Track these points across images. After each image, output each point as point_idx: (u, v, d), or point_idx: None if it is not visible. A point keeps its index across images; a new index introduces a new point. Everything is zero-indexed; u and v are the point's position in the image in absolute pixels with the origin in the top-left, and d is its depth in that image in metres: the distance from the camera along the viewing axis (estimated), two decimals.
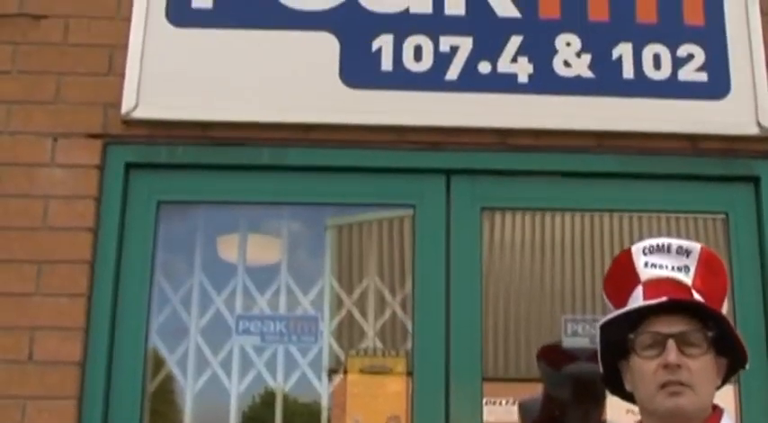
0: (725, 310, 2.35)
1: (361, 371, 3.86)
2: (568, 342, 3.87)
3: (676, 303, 2.18)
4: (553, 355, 3.88)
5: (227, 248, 4.14)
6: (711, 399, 2.19)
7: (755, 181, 3.77)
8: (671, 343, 2.13)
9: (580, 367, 3.69)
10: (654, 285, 2.26)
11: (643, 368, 2.17)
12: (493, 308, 4.59)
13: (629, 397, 2.29)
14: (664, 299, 2.17)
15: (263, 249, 4.15)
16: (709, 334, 2.15)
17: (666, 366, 2.11)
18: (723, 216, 3.79)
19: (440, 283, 3.61)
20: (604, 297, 2.40)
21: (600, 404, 3.76)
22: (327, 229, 4.21)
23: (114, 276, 3.58)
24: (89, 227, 3.56)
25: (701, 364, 2.14)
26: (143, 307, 3.60)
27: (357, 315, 4.04)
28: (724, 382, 2.30)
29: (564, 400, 3.78)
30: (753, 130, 3.74)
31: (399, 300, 4.03)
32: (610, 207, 3.99)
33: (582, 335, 3.82)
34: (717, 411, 2.22)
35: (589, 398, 3.72)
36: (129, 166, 3.70)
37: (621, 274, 2.35)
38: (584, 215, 4.51)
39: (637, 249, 2.34)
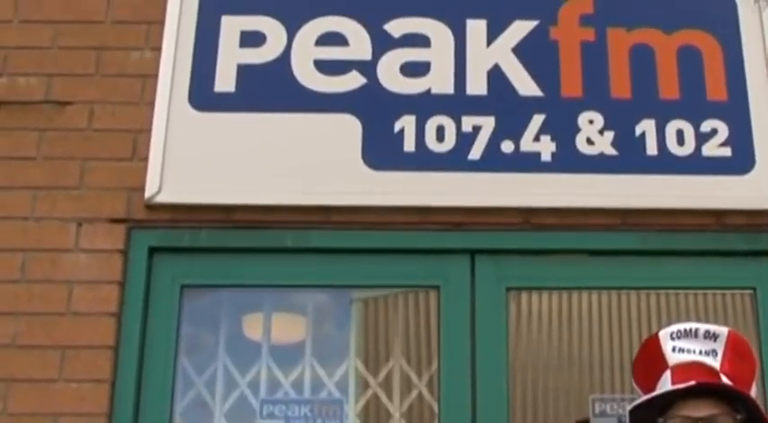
0: (754, 392, 2.32)
1: None
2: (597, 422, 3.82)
3: (704, 387, 2.17)
4: None
5: (252, 327, 4.12)
6: None
7: None
8: None
9: None
10: (682, 370, 2.26)
11: None
12: (520, 388, 4.53)
13: None
14: (692, 382, 2.17)
15: (288, 327, 4.13)
16: (738, 416, 2.15)
17: None
18: (750, 291, 3.75)
19: (465, 364, 3.58)
20: (633, 383, 2.41)
21: None
22: (353, 303, 4.18)
23: (138, 361, 3.57)
24: (112, 312, 3.57)
25: None
26: (167, 391, 3.59)
27: (383, 397, 3.99)
28: None
29: None
30: None
31: (426, 381, 3.98)
32: (636, 285, 3.96)
33: (610, 414, 3.77)
34: None
35: None
36: (153, 251, 3.71)
37: (650, 360, 2.35)
38: (611, 293, 4.47)
39: (664, 334, 2.34)
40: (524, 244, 3.74)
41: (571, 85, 3.88)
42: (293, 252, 3.73)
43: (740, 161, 3.80)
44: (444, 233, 3.73)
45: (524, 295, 4.29)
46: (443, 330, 3.64)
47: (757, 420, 2.19)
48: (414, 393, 4.01)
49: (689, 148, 3.80)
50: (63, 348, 3.52)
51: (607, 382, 4.67)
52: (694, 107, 3.87)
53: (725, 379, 2.23)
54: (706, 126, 3.83)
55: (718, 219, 3.75)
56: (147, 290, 3.66)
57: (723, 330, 2.31)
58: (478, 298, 3.66)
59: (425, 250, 3.73)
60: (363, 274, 3.75)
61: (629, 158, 3.79)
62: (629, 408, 2.30)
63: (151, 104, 3.83)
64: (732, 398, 2.18)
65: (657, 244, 3.73)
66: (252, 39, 3.93)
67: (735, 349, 2.29)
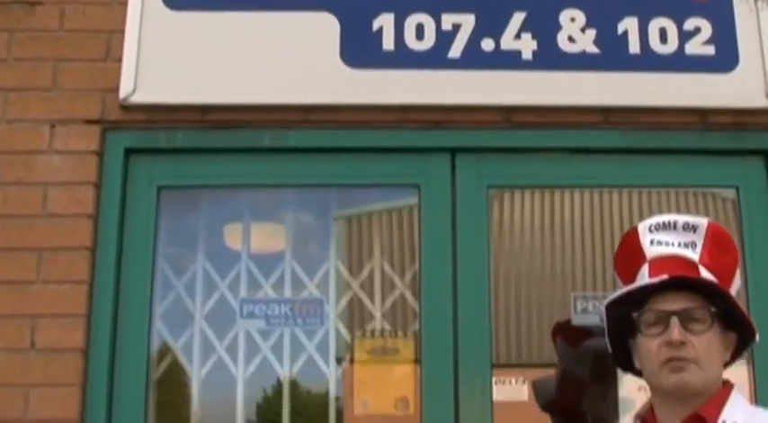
0: (736, 285, 2.28)
1: (369, 353, 3.79)
2: (578, 320, 3.81)
3: (679, 280, 2.13)
4: (569, 332, 3.81)
5: (232, 235, 4.08)
6: (719, 374, 2.14)
7: (766, 154, 3.71)
8: (674, 320, 2.08)
9: (597, 343, 3.62)
10: (659, 263, 2.21)
11: (648, 346, 2.13)
12: (502, 288, 4.52)
13: (640, 374, 2.23)
14: (665, 277, 2.13)
15: (268, 237, 4.09)
16: (713, 310, 2.11)
17: (670, 344, 2.07)
18: (733, 190, 3.72)
19: (446, 263, 3.56)
20: (616, 276, 2.37)
21: (615, 381, 3.69)
22: (334, 221, 4.15)
23: (116, 263, 3.55)
24: (89, 213, 3.53)
25: (706, 341, 2.09)
26: (146, 293, 3.56)
27: (364, 297, 3.97)
28: (735, 357, 2.24)
29: (580, 378, 3.71)
30: (762, 103, 3.68)
31: (407, 281, 3.96)
32: (618, 183, 3.95)
33: (592, 312, 3.75)
34: (726, 386, 2.17)
35: (606, 374, 3.65)
36: (129, 152, 3.66)
37: (629, 254, 2.30)
38: (593, 192, 4.43)
39: (643, 227, 2.29)
40: (505, 142, 3.69)
41: None
42: (271, 152, 3.68)
43: (723, 60, 3.75)
44: (424, 132, 3.68)
45: (507, 195, 4.23)
46: (424, 230, 3.62)
47: (734, 313, 2.16)
48: (395, 294, 3.98)
49: (672, 46, 3.74)
50: (40, 250, 3.48)
51: (589, 280, 4.67)
52: (677, 5, 3.79)
53: (704, 271, 2.18)
54: (689, 24, 3.77)
55: (702, 117, 3.71)
56: (123, 191, 3.61)
57: (702, 221, 2.25)
58: (459, 197, 3.63)
59: (405, 149, 3.68)
60: (342, 173, 3.71)
61: (612, 56, 3.73)
62: (605, 303, 2.26)
63: (124, 4, 3.74)
64: (709, 291, 2.13)
65: (640, 142, 3.70)
66: None
67: (715, 241, 2.23)
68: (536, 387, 3.92)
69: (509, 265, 4.62)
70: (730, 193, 3.82)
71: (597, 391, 3.69)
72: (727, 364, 2.19)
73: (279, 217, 4.06)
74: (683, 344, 2.06)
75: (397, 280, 4.01)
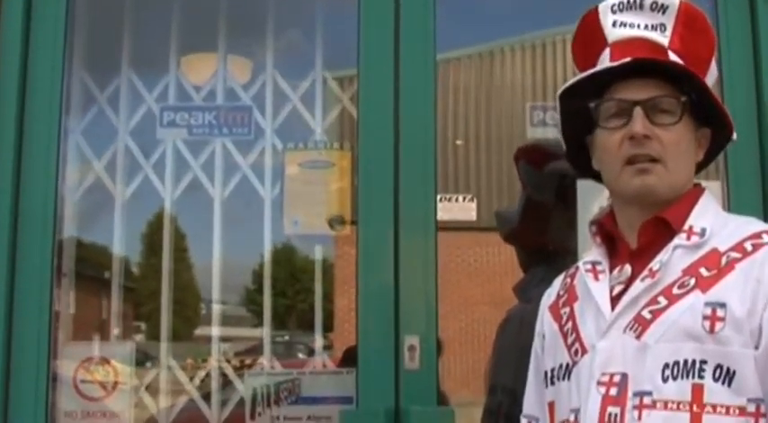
0: (713, 76, 1.96)
1: (301, 166, 3.43)
2: (534, 132, 3.49)
3: (643, 64, 1.83)
4: (534, 155, 3.49)
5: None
6: (688, 175, 1.86)
7: None
8: (638, 111, 1.80)
9: (564, 165, 3.34)
10: (622, 47, 1.90)
11: (607, 142, 1.84)
12: (452, 95, 4.16)
13: (599, 177, 1.95)
14: (628, 59, 1.83)
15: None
16: (683, 99, 1.81)
17: (632, 138, 1.79)
18: None
19: (388, 67, 3.18)
20: (574, 66, 2.05)
21: None
22: None
23: (20, 76, 3.16)
24: None
25: (675, 135, 1.80)
26: (54, 107, 3.18)
27: (302, 110, 3.61)
28: (710, 158, 1.95)
29: (546, 202, 3.41)
30: None
31: (349, 95, 3.60)
32: None
33: (549, 124, 3.43)
34: (697, 189, 1.88)
35: (572, 199, 3.37)
36: None
37: (587, 39, 1.99)
38: None
39: (605, 6, 1.96)
40: None
41: None
42: None
43: None
44: None
45: None
46: (364, 34, 3.22)
47: (708, 102, 1.85)
48: (336, 109, 3.63)
49: None
50: None
51: (549, 88, 4.30)
52: None
53: (674, 57, 1.87)
54: None
55: None
56: None
57: (673, 1, 1.91)
58: None
59: None
60: None
61: None
62: (558, 92, 1.94)
63: None
64: (680, 78, 1.82)
65: None
66: None
67: (687, 23, 1.90)
68: (500, 217, 3.62)
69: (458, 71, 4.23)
70: None
71: (561, 218, 3.40)
72: (700, 167, 1.91)
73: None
74: (647, 138, 1.78)
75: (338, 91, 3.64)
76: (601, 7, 1.96)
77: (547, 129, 3.51)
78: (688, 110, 1.82)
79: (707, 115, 1.87)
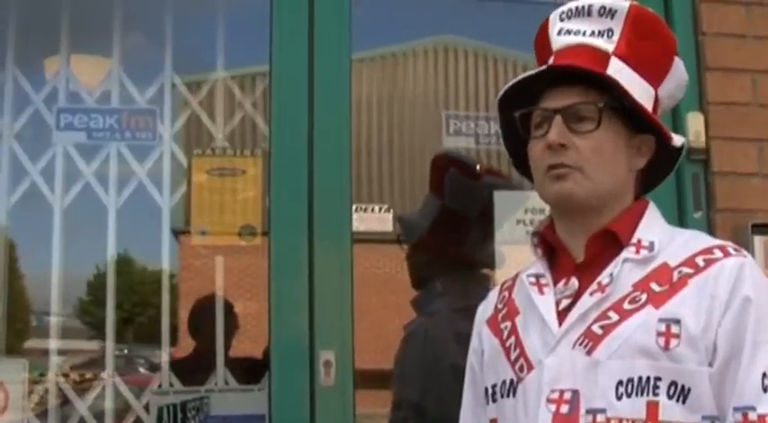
0: (676, 79, 1.90)
1: (209, 173, 3.29)
2: (450, 141, 3.42)
3: (570, 71, 1.78)
4: (467, 166, 3.42)
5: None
6: (615, 182, 1.79)
7: None
8: (556, 119, 1.76)
9: (498, 179, 3.32)
10: (564, 55, 1.84)
11: (532, 151, 1.82)
12: (365, 102, 4.06)
13: None
14: (543, 68, 1.81)
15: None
16: (600, 105, 1.75)
17: (550, 147, 1.75)
18: None
19: (302, 70, 3.07)
20: None
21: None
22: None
23: None
24: None
25: (593, 143, 1.75)
26: None
27: (204, 117, 3.46)
28: (666, 169, 1.90)
29: (468, 213, 3.34)
30: None
31: (252, 100, 3.48)
32: None
33: (466, 133, 3.38)
34: (642, 202, 1.84)
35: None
36: None
37: (540, 46, 1.95)
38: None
39: (554, 15, 1.91)
40: None
41: None
42: None
43: None
44: None
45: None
46: (276, 36, 3.11)
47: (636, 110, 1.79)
48: (238, 114, 3.50)
49: None
50: None
51: (462, 99, 4.24)
52: None
53: (617, 63, 1.80)
54: None
55: None
56: None
57: (623, 5, 1.85)
58: None
59: None
60: None
61: None
62: (497, 98, 1.89)
63: None
64: (606, 84, 1.76)
65: None
66: None
67: (636, 27, 1.84)
68: (405, 223, 3.53)
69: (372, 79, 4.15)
70: None
71: (480, 230, 3.34)
72: (655, 175, 1.88)
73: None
74: (563, 147, 1.74)
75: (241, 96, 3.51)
76: (551, 15, 1.92)
77: (460, 138, 3.45)
78: (616, 116, 1.77)
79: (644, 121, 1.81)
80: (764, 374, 1.60)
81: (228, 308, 3.43)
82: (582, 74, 1.77)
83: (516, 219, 3.16)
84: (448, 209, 3.32)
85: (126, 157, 3.32)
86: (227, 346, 3.34)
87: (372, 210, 3.71)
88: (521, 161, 1.90)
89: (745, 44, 3.27)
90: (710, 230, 3.01)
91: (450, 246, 3.29)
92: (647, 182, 1.88)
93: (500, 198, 3.16)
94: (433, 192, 3.39)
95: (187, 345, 3.77)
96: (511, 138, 1.91)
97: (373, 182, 4.50)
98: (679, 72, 1.90)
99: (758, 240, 3.06)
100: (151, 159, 3.36)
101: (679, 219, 3.07)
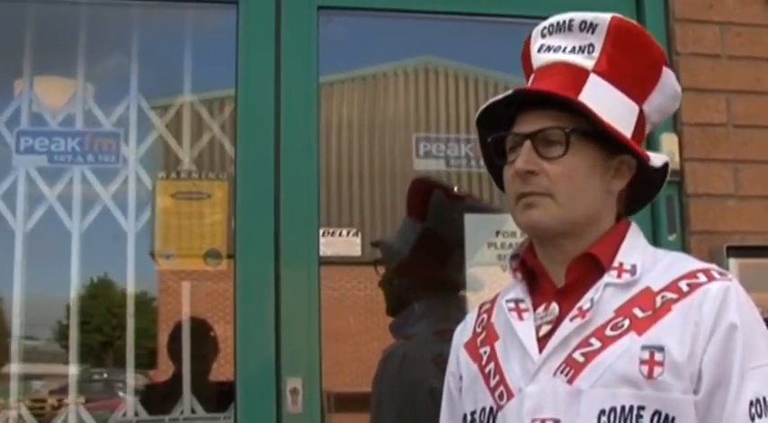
0: (665, 94, 1.81)
1: (174, 197, 3.21)
2: (421, 164, 3.36)
3: (532, 94, 1.73)
4: (449, 189, 3.36)
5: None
6: (589, 207, 1.71)
7: None
8: (526, 145, 1.69)
9: (476, 203, 3.30)
10: (543, 73, 1.78)
11: (506, 176, 1.75)
12: (335, 127, 4.00)
13: None
14: (509, 92, 1.73)
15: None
16: (567, 129, 1.68)
17: (518, 174, 1.69)
18: None
19: (268, 91, 3.01)
20: None
21: None
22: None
23: None
24: None
25: (563, 168, 1.68)
26: None
27: (171, 140, 3.40)
28: (654, 188, 1.83)
29: (451, 236, 3.28)
30: None
31: (220, 122, 3.42)
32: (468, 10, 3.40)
33: (437, 155, 3.32)
34: (623, 224, 1.76)
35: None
36: None
37: (524, 62, 1.88)
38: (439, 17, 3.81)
39: (536, 31, 1.84)
40: None
41: None
42: None
43: None
44: None
45: (339, 19, 3.62)
46: (242, 59, 3.04)
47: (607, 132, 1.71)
48: (206, 137, 3.43)
49: None
50: None
51: (443, 120, 4.16)
52: None
53: (597, 80, 1.73)
54: None
55: None
56: None
57: (604, 18, 1.77)
58: (285, 18, 3.08)
59: None
60: None
61: None
62: (476, 116, 1.81)
63: None
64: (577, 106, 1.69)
65: None
66: None
67: (618, 42, 1.76)
68: (385, 247, 3.45)
69: (341, 101, 4.08)
70: None
71: (461, 253, 3.29)
72: (641, 196, 1.82)
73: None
74: (531, 174, 1.68)
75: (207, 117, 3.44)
76: (534, 31, 1.85)
77: (431, 160, 3.39)
78: (588, 139, 1.69)
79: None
80: (752, 402, 1.54)
81: (205, 331, 3.36)
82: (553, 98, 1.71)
83: (486, 241, 3.12)
84: (431, 232, 3.26)
85: (90, 181, 3.25)
86: (207, 371, 3.26)
87: (340, 234, 3.63)
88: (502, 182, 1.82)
89: (720, 64, 3.24)
90: (686, 253, 2.96)
91: (432, 268, 3.23)
92: (633, 202, 1.81)
93: (470, 221, 3.11)
94: (411, 216, 3.33)
95: (168, 368, 3.69)
96: (492, 161, 1.84)
97: (343, 205, 4.43)
98: (668, 84, 1.81)
99: (733, 262, 3.03)
100: (116, 183, 3.29)
101: (654, 241, 2.99)
